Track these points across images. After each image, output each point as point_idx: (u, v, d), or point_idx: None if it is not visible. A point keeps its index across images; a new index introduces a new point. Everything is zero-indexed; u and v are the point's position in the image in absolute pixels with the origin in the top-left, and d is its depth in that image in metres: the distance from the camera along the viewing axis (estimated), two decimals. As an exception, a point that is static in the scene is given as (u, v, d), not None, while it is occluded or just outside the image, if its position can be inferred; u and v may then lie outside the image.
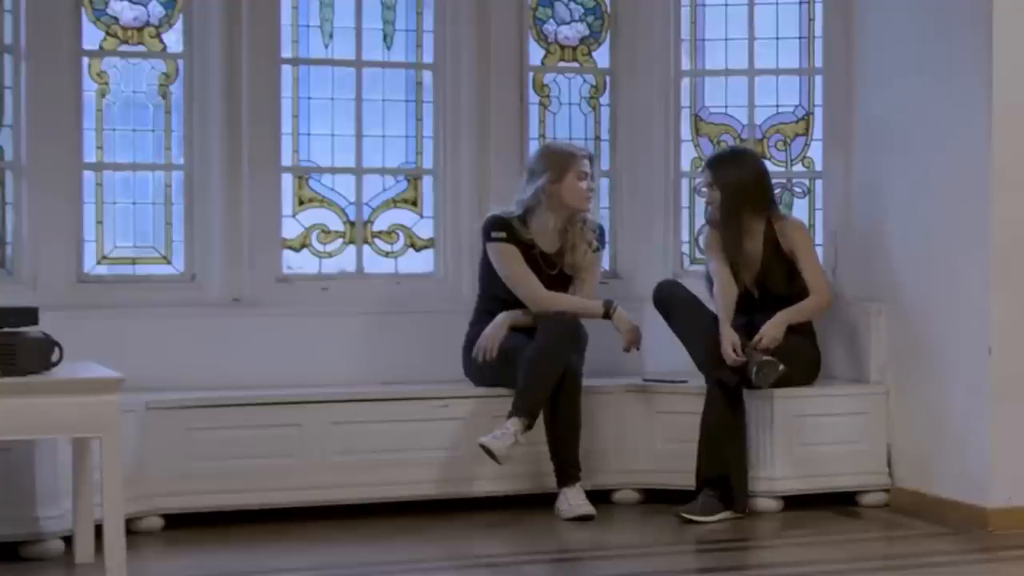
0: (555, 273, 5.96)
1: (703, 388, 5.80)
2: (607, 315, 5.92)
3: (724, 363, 5.70)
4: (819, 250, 6.25)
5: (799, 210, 6.47)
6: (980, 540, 5.33)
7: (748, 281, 5.99)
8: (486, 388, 5.85)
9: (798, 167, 6.49)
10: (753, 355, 5.68)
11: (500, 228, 5.92)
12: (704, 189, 6.01)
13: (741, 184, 5.94)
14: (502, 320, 5.87)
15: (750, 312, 5.97)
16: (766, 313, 5.89)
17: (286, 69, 6.17)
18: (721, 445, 5.72)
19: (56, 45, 5.80)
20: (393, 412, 5.72)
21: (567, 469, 5.71)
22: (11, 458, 4.92)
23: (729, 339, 5.72)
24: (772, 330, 5.77)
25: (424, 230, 6.40)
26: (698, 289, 6.01)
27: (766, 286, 5.98)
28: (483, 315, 5.97)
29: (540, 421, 5.68)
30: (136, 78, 6.01)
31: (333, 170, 6.28)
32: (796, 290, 5.96)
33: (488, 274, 5.99)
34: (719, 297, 5.89)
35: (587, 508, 5.64)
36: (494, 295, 5.96)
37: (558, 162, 5.93)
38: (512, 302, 5.92)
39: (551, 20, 6.56)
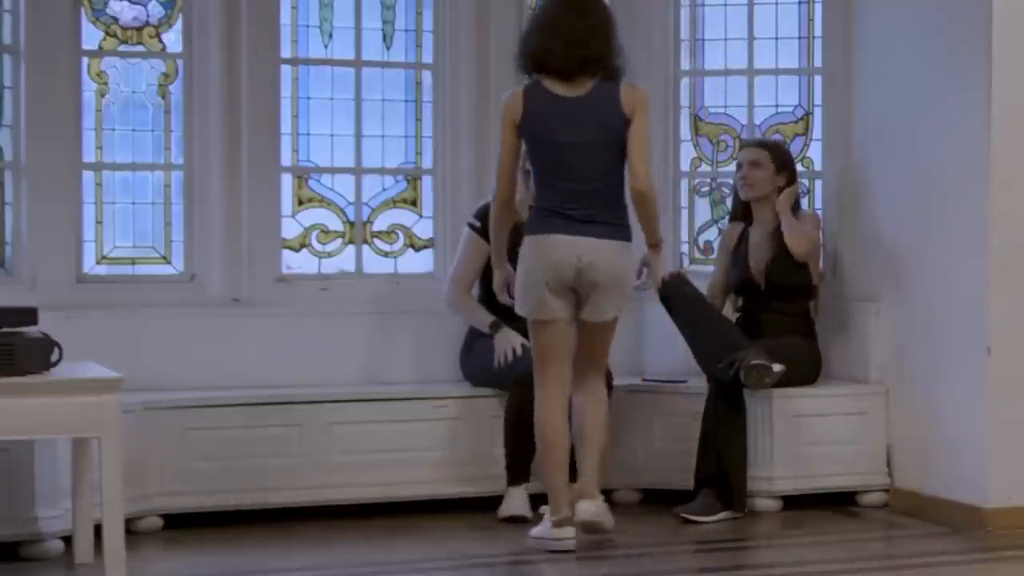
0: None
1: (703, 388, 5.80)
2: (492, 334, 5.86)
3: (725, 363, 5.68)
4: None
5: (798, 210, 6.48)
6: (979, 540, 5.33)
7: (755, 271, 6.01)
8: (486, 388, 5.85)
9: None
10: (749, 355, 5.64)
11: (478, 217, 5.89)
12: (747, 168, 6.03)
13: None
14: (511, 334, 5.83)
15: (752, 302, 6.00)
16: (768, 305, 5.94)
17: (286, 69, 6.17)
18: (721, 445, 5.71)
19: (56, 45, 5.80)
20: (393, 412, 5.72)
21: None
22: (11, 458, 4.92)
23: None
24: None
25: (424, 230, 6.40)
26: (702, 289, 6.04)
27: (771, 277, 5.98)
28: (482, 315, 5.97)
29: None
30: (135, 78, 6.01)
31: (332, 170, 6.28)
32: (802, 282, 5.98)
33: (486, 274, 5.97)
34: (715, 286, 6.07)
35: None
36: (492, 295, 5.94)
37: None
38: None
39: (551, 20, 6.55)
